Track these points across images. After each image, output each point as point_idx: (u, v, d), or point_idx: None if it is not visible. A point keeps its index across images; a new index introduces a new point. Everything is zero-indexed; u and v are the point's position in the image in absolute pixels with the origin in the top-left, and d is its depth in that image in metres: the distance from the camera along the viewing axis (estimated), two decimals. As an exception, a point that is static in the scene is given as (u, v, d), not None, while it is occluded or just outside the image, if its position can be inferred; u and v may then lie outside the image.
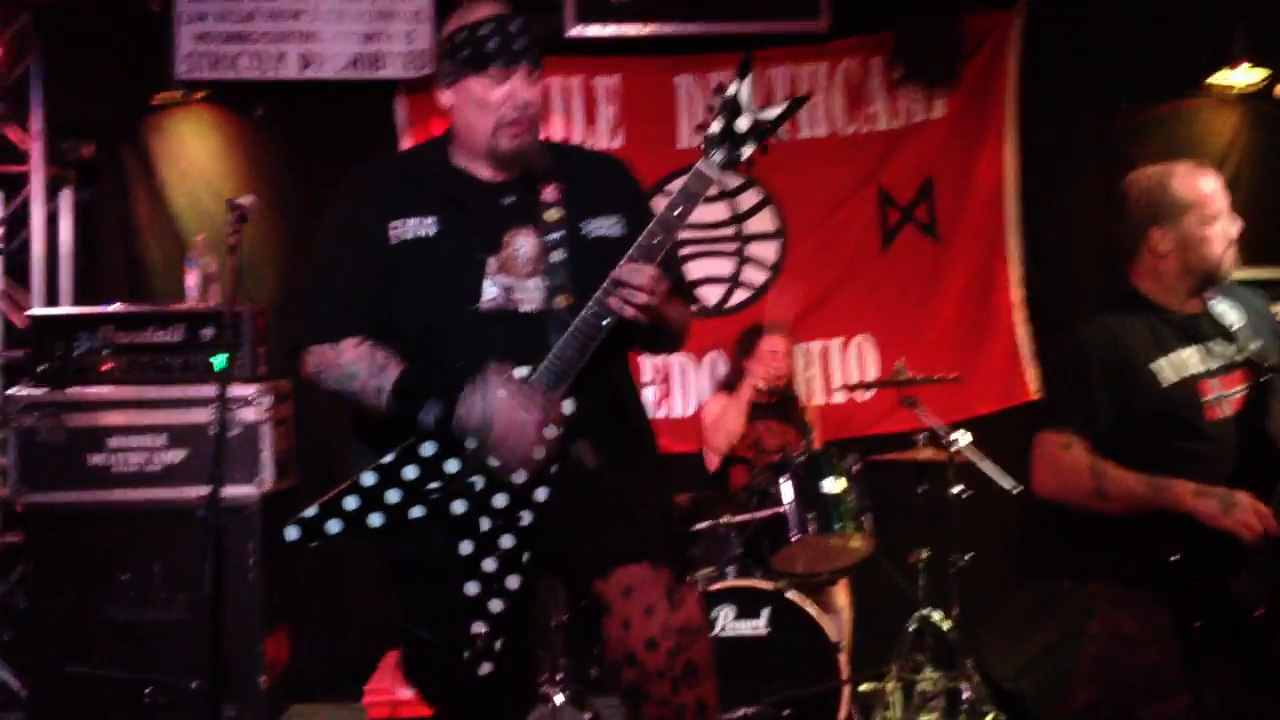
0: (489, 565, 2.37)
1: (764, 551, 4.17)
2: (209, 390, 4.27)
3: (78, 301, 5.07)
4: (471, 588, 2.36)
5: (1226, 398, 2.77)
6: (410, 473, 2.37)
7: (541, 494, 2.38)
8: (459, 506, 2.37)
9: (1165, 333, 2.82)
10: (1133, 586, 2.78)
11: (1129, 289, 2.92)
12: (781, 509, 4.13)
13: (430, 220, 2.44)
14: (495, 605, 2.36)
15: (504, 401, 2.29)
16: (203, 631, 3.87)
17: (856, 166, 5.41)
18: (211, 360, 4.27)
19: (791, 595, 3.97)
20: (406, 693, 4.08)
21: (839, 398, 5.31)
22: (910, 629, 4.42)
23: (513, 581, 2.38)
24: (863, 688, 4.43)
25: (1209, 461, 2.70)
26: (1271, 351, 2.84)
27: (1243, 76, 5.19)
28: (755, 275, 5.43)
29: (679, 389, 5.36)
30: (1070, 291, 5.38)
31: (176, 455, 4.30)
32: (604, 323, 2.33)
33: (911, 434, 4.59)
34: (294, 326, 2.58)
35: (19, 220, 5.09)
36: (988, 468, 4.28)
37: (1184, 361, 2.78)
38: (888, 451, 4.70)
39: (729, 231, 5.42)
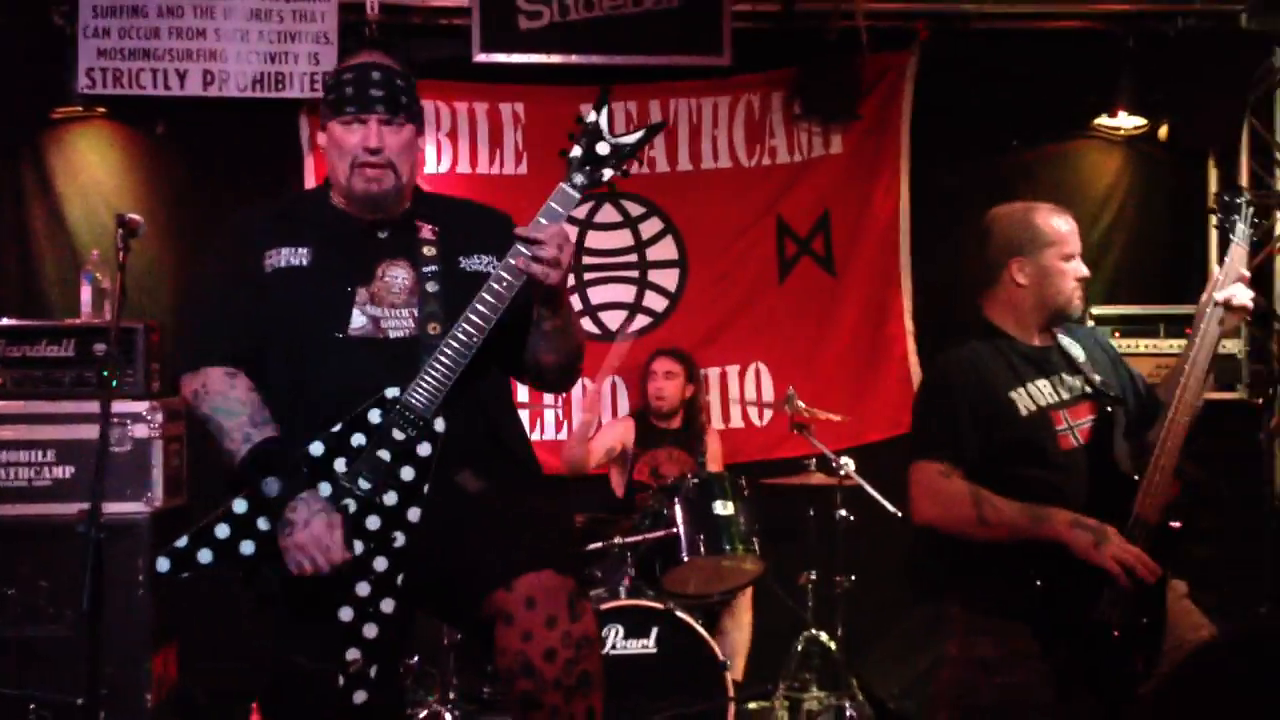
0: (363, 589, 2.38)
1: (656, 572, 4.24)
2: (98, 406, 4.23)
3: (-31, 315, 5.01)
4: (345, 613, 2.37)
5: (1076, 428, 2.87)
6: None
7: (414, 514, 2.40)
8: None
9: (1020, 364, 2.91)
10: (992, 612, 2.85)
11: (982, 320, 3.02)
12: (673, 530, 4.21)
13: (303, 250, 2.54)
14: (370, 630, 2.37)
15: (308, 523, 2.35)
16: (88, 649, 3.89)
17: (757, 198, 5.54)
18: (103, 375, 4.23)
19: (681, 614, 4.04)
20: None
21: (736, 422, 5.41)
22: (798, 649, 4.51)
23: (387, 605, 2.38)
24: (750, 706, 4.52)
25: (1063, 490, 2.79)
26: (1113, 384, 2.97)
27: (1127, 120, 5.41)
28: (656, 301, 5.52)
29: (579, 412, 5.40)
30: (959, 324, 5.49)
31: (65, 471, 4.24)
32: (481, 316, 2.39)
33: (803, 460, 4.70)
34: (179, 346, 2.65)
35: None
36: (873, 493, 4.39)
37: (1038, 392, 2.88)
38: (780, 476, 4.81)
39: (631, 259, 5.50)
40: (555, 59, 5.28)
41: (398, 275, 2.53)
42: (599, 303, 5.45)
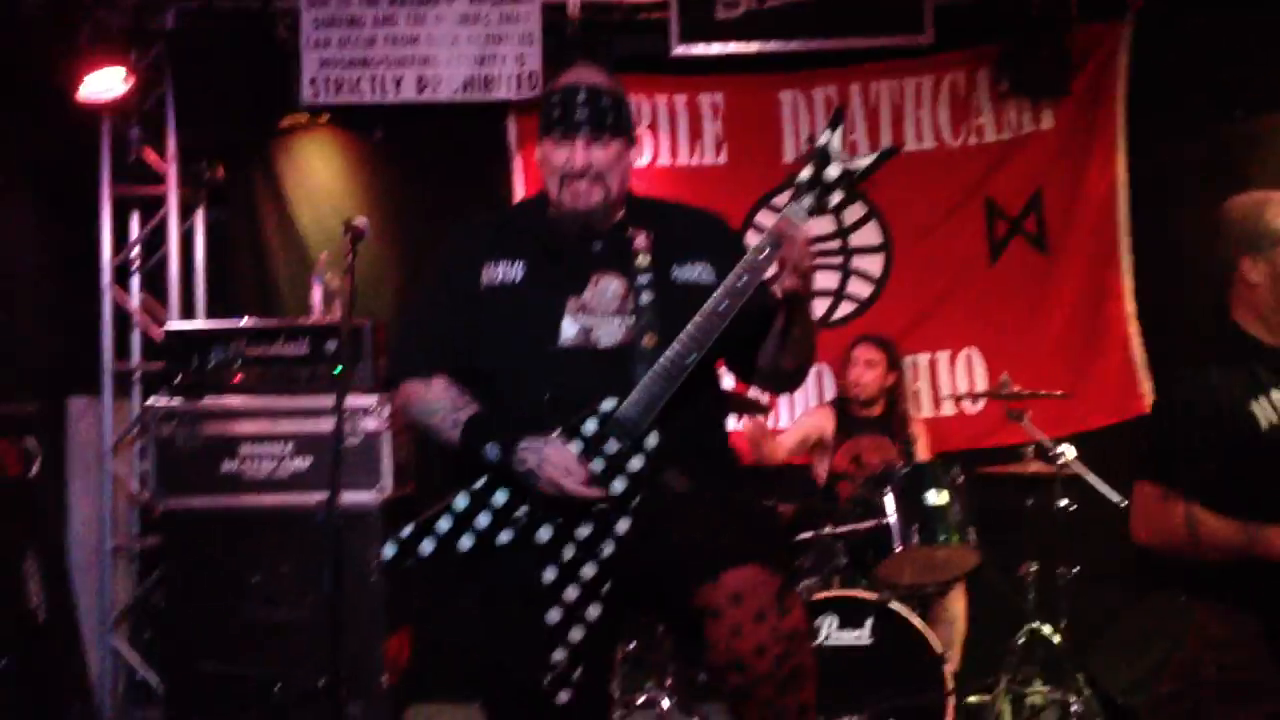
0: (570, 594, 2.43)
1: (869, 562, 4.21)
2: (333, 400, 4.44)
3: (211, 316, 5.35)
4: (553, 615, 2.42)
5: None
6: (500, 498, 2.49)
7: (623, 526, 2.45)
8: (544, 534, 2.46)
9: (1262, 373, 2.74)
10: (1224, 599, 2.78)
11: (1228, 324, 2.85)
12: (885, 520, 4.17)
13: (519, 264, 2.62)
14: (575, 634, 2.42)
15: (551, 455, 2.42)
16: (328, 632, 4.10)
17: (963, 179, 5.42)
18: (335, 371, 4.46)
19: (896, 606, 4.00)
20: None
21: (947, 410, 5.32)
22: (1019, 642, 4.41)
23: (593, 611, 2.43)
24: (971, 699, 4.44)
25: None
26: None
27: (1362, 84, 5.08)
28: (860, 288, 5.47)
29: (785, 402, 5.41)
30: (1183, 304, 5.30)
31: (303, 462, 4.49)
32: (708, 338, 2.40)
33: (1019, 447, 4.59)
34: (390, 361, 2.77)
35: (157, 239, 5.38)
36: (1095, 481, 4.26)
37: None
38: (994, 464, 4.70)
39: (834, 245, 5.46)
40: (753, 47, 5.27)
41: (610, 285, 2.58)
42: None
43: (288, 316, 5.14)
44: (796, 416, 5.29)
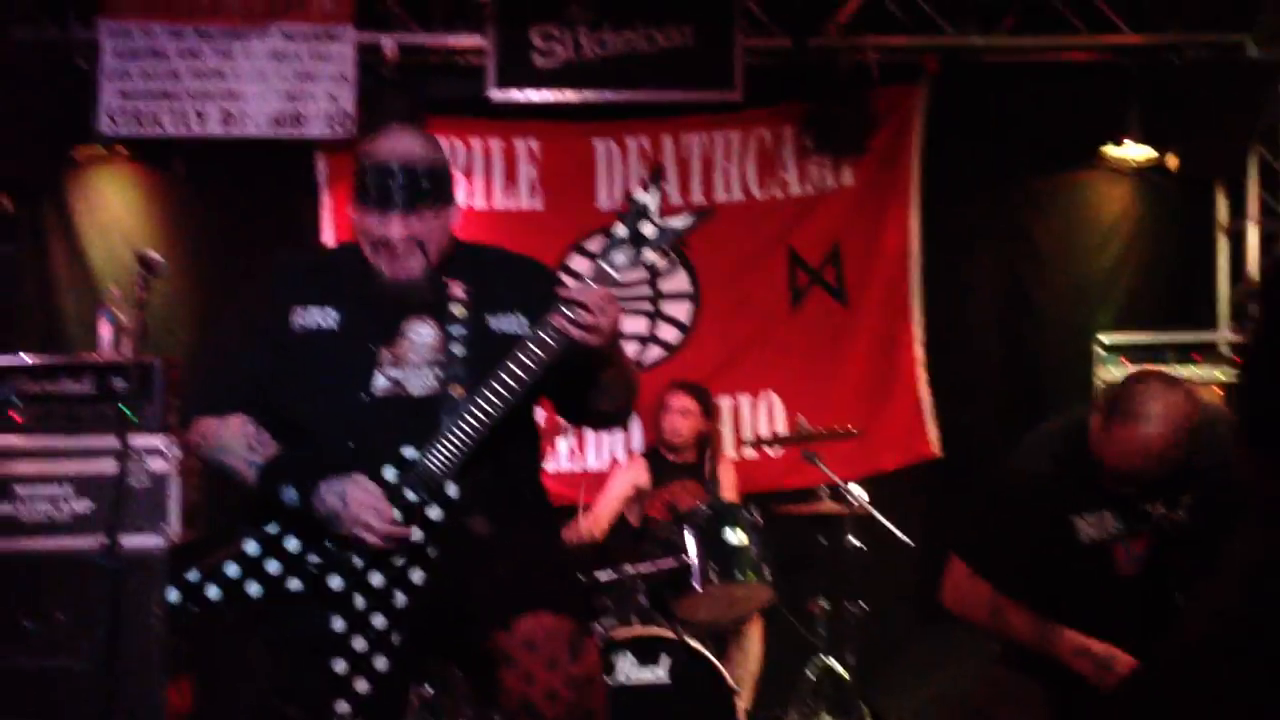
0: (359, 644, 2.39)
1: (667, 600, 4.27)
2: (118, 440, 4.29)
3: (-8, 352, 5.10)
4: (339, 665, 2.38)
5: (1135, 559, 2.85)
6: (291, 544, 2.44)
7: (417, 576, 2.42)
8: (336, 582, 2.42)
9: (1101, 492, 2.81)
10: (1017, 667, 2.95)
11: (1085, 431, 2.83)
12: (685, 559, 4.23)
13: (332, 311, 2.56)
14: (361, 686, 2.39)
15: (354, 494, 2.37)
16: (106, 680, 3.93)
17: (768, 230, 5.59)
18: (121, 409, 4.31)
19: (692, 643, 4.06)
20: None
21: (749, 453, 5.44)
22: (809, 675, 4.52)
23: (381, 663, 2.40)
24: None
25: (1111, 619, 2.80)
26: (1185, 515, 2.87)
27: (1135, 150, 5.44)
28: (669, 334, 5.57)
29: (592, 442, 5.46)
30: (970, 353, 5.58)
31: (84, 505, 4.30)
32: (514, 378, 2.39)
33: (815, 489, 4.73)
34: (189, 396, 2.68)
35: (-63, 271, 5.13)
36: (886, 522, 4.41)
37: (1106, 521, 2.83)
38: (791, 504, 4.83)
39: (644, 291, 5.56)
40: (569, 96, 5.36)
41: (423, 333, 2.54)
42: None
43: (76, 354, 4.94)
44: (604, 456, 5.33)
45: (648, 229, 2.43)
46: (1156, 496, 2.77)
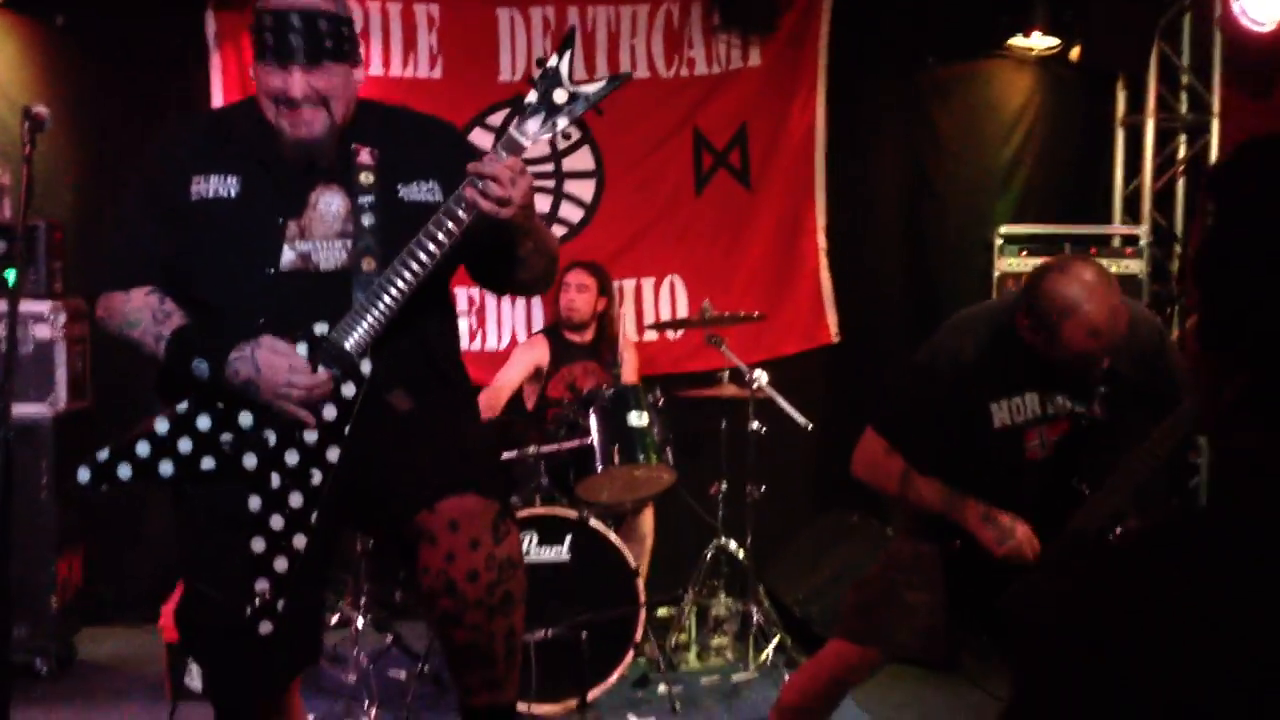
0: (276, 523, 2.36)
1: (569, 481, 4.28)
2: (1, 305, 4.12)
3: None
4: (258, 544, 2.36)
5: (1047, 442, 2.91)
6: (203, 423, 2.37)
7: (333, 454, 2.38)
8: (250, 461, 2.37)
9: (1019, 374, 2.85)
10: (916, 533, 3.05)
11: (1009, 322, 2.85)
12: (588, 440, 4.24)
13: (233, 179, 2.44)
14: (280, 564, 2.37)
15: (267, 360, 2.31)
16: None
17: (674, 110, 5.50)
18: (3, 274, 4.12)
19: (594, 523, 4.08)
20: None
21: (650, 335, 5.44)
22: (707, 556, 4.60)
23: (299, 540, 2.37)
24: (659, 612, 4.61)
25: (1014, 497, 2.87)
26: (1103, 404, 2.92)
27: (1040, 40, 5.46)
28: (572, 212, 5.50)
29: (493, 322, 5.40)
30: (871, 240, 5.62)
31: (-37, 372, 4.14)
32: (428, 254, 2.33)
33: (717, 372, 4.76)
34: (93, 271, 2.57)
35: None
36: (785, 405, 4.46)
37: (1021, 407, 2.88)
38: (693, 388, 4.85)
39: (547, 168, 5.45)
40: (473, -40, 5.17)
41: (331, 203, 2.44)
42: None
43: (-50, 214, 4.69)
44: (506, 340, 5.29)
45: (560, 95, 2.37)
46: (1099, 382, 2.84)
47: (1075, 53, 5.47)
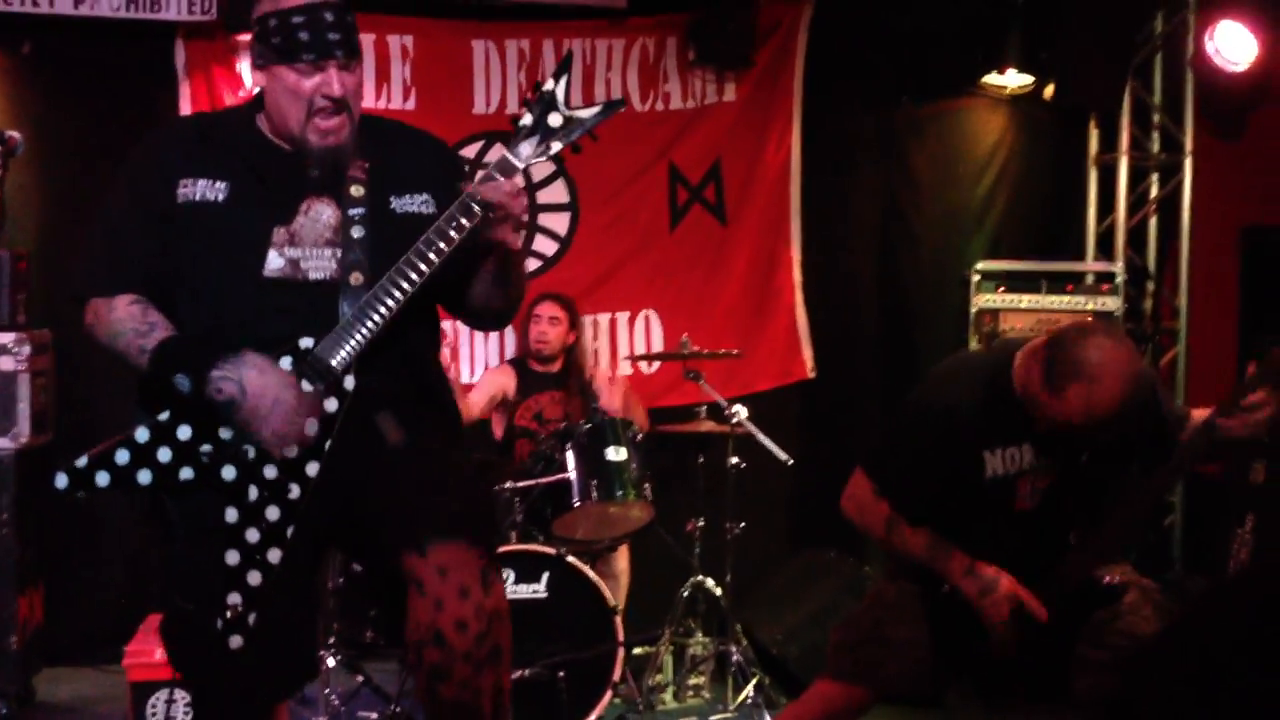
0: (252, 536, 2.33)
1: (546, 517, 4.21)
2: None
3: None
4: (232, 557, 2.32)
5: (1037, 492, 2.88)
6: (183, 433, 2.33)
7: (312, 469, 2.34)
8: (229, 473, 2.33)
9: (1015, 427, 2.82)
10: (898, 574, 3.03)
11: (1005, 373, 2.82)
12: (565, 475, 4.17)
13: (221, 185, 2.40)
14: (254, 577, 2.33)
15: (254, 382, 2.27)
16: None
17: (649, 144, 5.48)
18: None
19: (571, 560, 4.01)
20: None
21: (625, 369, 5.39)
22: (684, 595, 4.53)
23: (274, 555, 2.34)
24: (636, 651, 4.52)
25: (1004, 547, 2.85)
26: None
27: (1014, 79, 5.50)
28: (546, 246, 5.45)
29: (466, 354, 5.34)
30: (847, 276, 5.61)
31: (-75, 405, 4.03)
32: (418, 273, 2.31)
33: (694, 407, 4.71)
34: (75, 277, 2.54)
35: None
36: (764, 441, 4.41)
37: (1015, 458, 2.84)
38: (670, 423, 4.80)
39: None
40: (452, -10, 5.14)
41: (322, 213, 2.40)
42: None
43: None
44: (479, 374, 5.22)
45: (555, 119, 2.36)
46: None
47: (1049, 91, 5.51)
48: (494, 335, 5.32)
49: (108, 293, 2.41)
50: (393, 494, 2.36)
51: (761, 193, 5.53)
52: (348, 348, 2.32)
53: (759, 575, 4.96)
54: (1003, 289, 5.21)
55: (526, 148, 2.37)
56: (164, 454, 2.32)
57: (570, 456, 4.19)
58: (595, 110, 2.39)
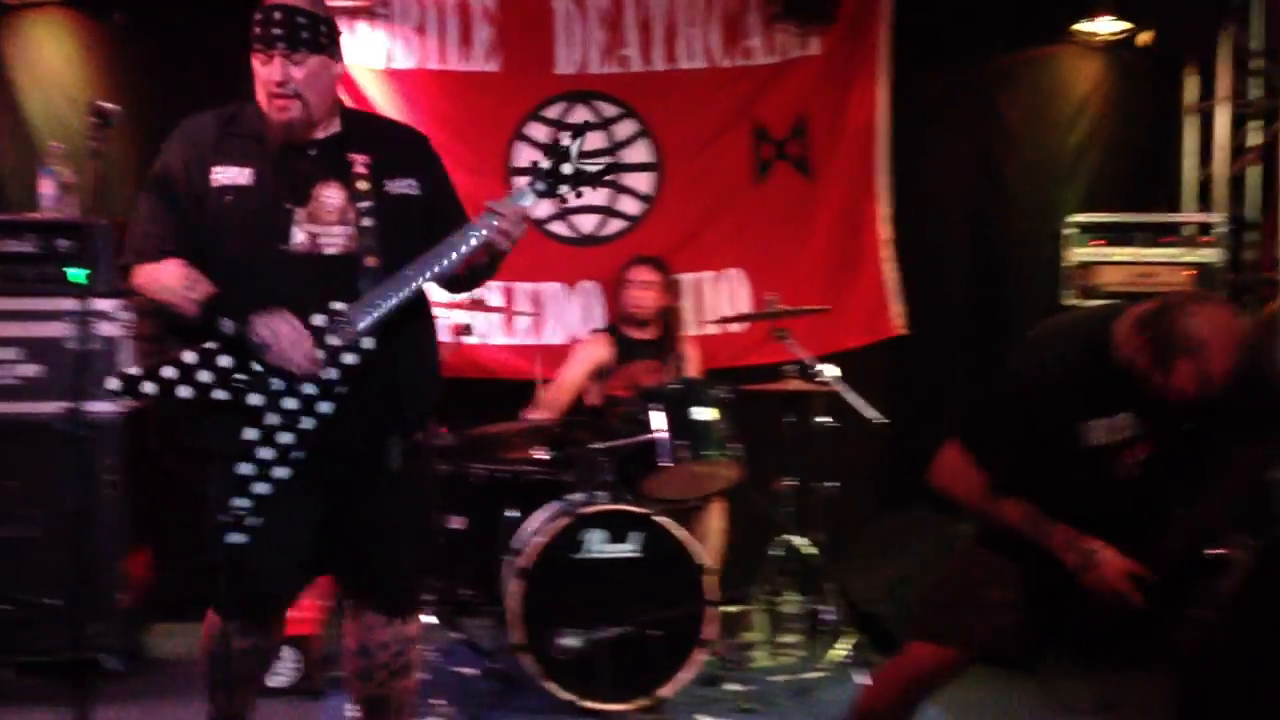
0: (265, 453, 2.74)
1: (635, 477, 4.23)
2: (65, 303, 4.12)
3: (-77, 210, 4.84)
4: (245, 468, 2.72)
5: (1137, 462, 2.81)
6: (224, 361, 2.76)
7: (325, 407, 2.78)
8: (255, 399, 2.76)
9: (1114, 396, 2.75)
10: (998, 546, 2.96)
11: (1110, 342, 2.75)
12: (653, 435, 4.18)
13: (247, 170, 2.84)
14: (260, 487, 2.73)
15: (285, 331, 2.73)
16: (62, 549, 3.82)
17: (732, 100, 5.43)
18: (66, 272, 4.12)
19: (661, 519, 4.03)
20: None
21: (711, 329, 5.37)
22: (774, 554, 4.53)
23: (281, 471, 2.74)
24: (727, 609, 4.54)
25: (1104, 518, 2.80)
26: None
27: (1106, 25, 5.36)
28: (630, 205, 5.44)
29: (552, 316, 5.37)
30: (935, 231, 5.53)
31: (34, 370, 4.14)
32: (449, 261, 2.84)
33: (780, 366, 4.69)
34: (126, 248, 2.92)
35: None
36: (853, 399, 4.39)
37: (1116, 427, 2.78)
38: (757, 382, 4.79)
39: (605, 160, 5.38)
40: (532, -48, 5.13)
41: (331, 196, 2.85)
42: (571, 205, 5.35)
43: (13, 212, 4.70)
44: (562, 334, 5.25)
45: (566, 169, 2.94)
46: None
47: (1142, 38, 5.36)
48: (576, 297, 5.36)
49: (155, 259, 2.82)
50: (362, 548, 2.94)
51: (847, 147, 5.46)
52: (372, 315, 2.79)
53: (850, 534, 4.95)
54: (1098, 241, 5.10)
55: (540, 185, 2.94)
56: (205, 375, 2.74)
57: (658, 416, 4.20)
58: (600, 167, 2.99)
